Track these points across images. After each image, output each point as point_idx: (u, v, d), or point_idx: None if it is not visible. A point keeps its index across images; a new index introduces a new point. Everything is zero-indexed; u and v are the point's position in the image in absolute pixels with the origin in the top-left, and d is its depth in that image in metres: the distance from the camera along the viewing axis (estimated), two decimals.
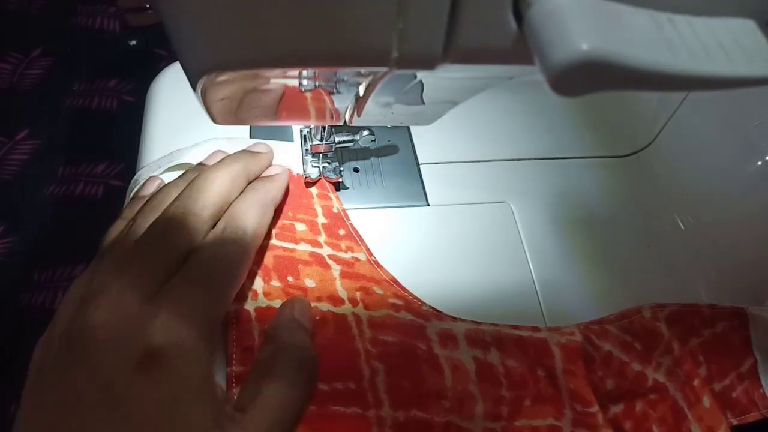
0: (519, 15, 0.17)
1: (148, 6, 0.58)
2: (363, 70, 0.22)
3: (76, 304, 0.27)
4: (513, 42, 0.18)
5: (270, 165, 0.36)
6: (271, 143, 0.39)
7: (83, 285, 0.28)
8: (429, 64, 0.19)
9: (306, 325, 0.31)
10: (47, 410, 0.24)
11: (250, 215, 0.31)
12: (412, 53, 0.18)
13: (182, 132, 0.41)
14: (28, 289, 0.44)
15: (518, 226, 0.40)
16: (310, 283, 0.33)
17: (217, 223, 0.31)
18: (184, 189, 0.31)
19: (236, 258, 0.30)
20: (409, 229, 0.38)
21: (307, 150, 0.38)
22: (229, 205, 0.32)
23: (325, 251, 0.35)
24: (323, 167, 0.38)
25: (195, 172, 0.34)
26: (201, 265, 0.28)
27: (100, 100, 0.53)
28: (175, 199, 0.31)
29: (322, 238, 0.35)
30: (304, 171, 0.38)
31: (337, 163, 0.38)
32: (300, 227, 0.35)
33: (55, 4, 0.59)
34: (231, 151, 0.37)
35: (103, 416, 0.23)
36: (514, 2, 0.17)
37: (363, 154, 0.41)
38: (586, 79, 0.15)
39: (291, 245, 0.34)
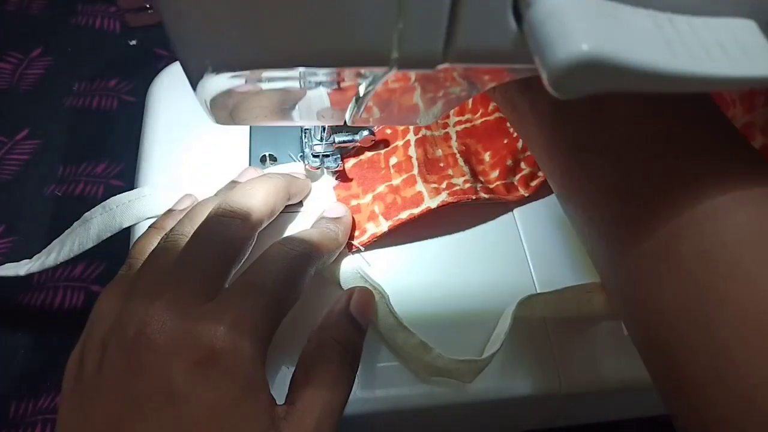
0: (519, 15, 0.17)
1: (148, 6, 0.59)
2: (363, 70, 0.22)
3: (115, 314, 0.27)
4: (513, 42, 0.18)
5: (309, 190, 0.38)
6: (276, 167, 0.39)
7: (120, 294, 0.28)
8: (429, 64, 0.19)
9: (359, 320, 0.31)
10: (95, 414, 0.25)
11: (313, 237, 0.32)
12: (412, 53, 0.18)
13: (182, 132, 0.41)
14: (28, 289, 0.43)
15: (518, 226, 0.40)
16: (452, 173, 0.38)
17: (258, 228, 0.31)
18: (228, 195, 0.32)
19: (296, 264, 0.30)
20: (408, 229, 0.38)
21: (306, 141, 0.38)
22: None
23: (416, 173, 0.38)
24: (323, 160, 0.38)
25: (230, 188, 0.34)
26: (260, 272, 0.29)
27: (100, 100, 0.53)
28: (218, 206, 0.31)
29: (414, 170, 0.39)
30: (305, 165, 0.38)
31: (338, 155, 0.38)
32: (393, 160, 0.39)
33: (55, 4, 0.59)
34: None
35: (164, 418, 0.24)
36: (514, 2, 0.17)
37: None
38: (586, 79, 0.15)
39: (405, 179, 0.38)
